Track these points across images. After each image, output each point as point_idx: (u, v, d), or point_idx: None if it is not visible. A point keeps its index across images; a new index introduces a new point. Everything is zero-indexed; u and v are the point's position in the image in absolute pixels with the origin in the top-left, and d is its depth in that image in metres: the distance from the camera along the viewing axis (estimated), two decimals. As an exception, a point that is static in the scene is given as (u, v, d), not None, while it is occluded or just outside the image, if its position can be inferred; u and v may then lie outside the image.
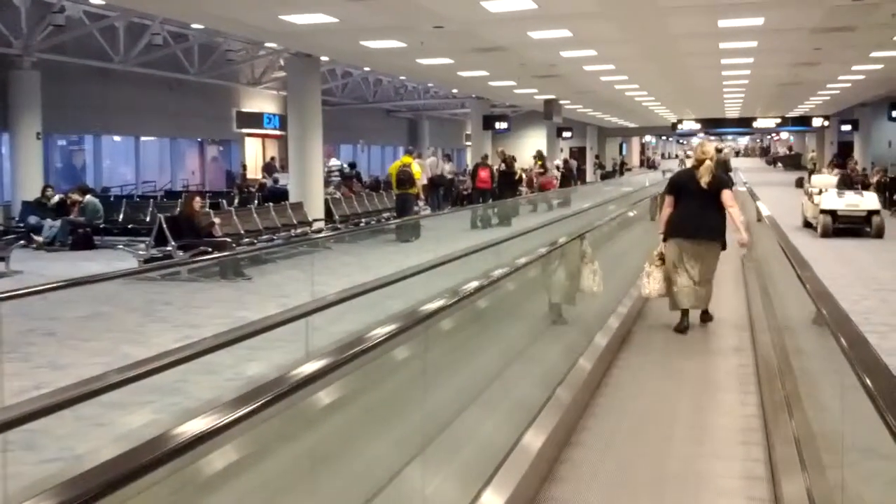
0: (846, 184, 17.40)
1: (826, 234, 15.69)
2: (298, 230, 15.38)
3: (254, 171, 27.04)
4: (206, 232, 12.06)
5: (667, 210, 7.18)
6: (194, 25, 18.76)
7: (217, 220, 12.31)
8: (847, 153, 37.17)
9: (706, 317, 7.27)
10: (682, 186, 7.12)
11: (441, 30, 12.07)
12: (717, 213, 6.99)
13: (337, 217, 17.24)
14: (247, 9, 10.96)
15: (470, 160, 29.08)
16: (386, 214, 18.61)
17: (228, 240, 12.08)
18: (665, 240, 7.12)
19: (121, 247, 12.90)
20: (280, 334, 5.34)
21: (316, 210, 16.55)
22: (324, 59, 22.28)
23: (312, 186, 16.75)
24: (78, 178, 21.55)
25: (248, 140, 28.04)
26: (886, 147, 35.40)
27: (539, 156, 26.74)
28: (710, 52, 16.15)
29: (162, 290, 10.97)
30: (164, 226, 11.78)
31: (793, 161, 57.12)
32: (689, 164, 7.99)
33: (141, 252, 11.96)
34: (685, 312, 7.05)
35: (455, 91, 29.67)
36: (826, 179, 19.11)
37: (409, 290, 6.41)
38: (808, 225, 17.38)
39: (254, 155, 28.41)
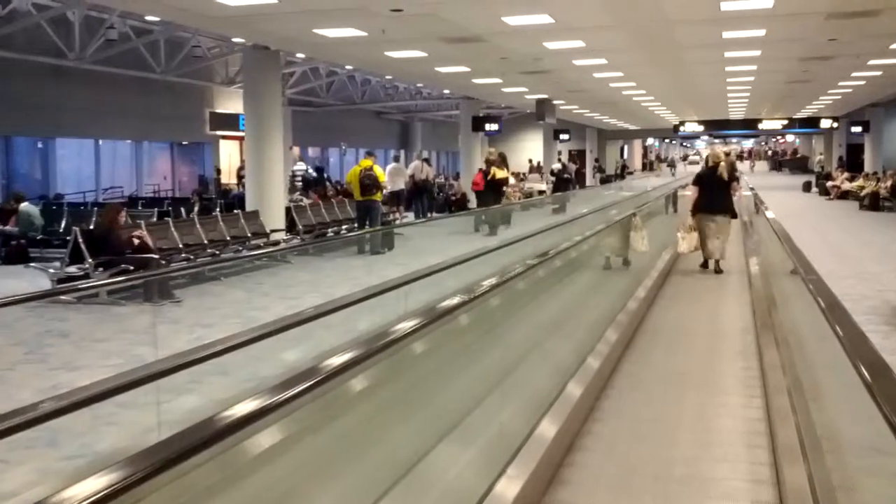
0: None
1: None
2: (252, 242, 13.78)
3: (228, 176, 25.54)
4: (129, 247, 10.46)
5: (694, 194, 10.75)
6: (149, 17, 17.19)
7: (140, 233, 10.67)
8: (856, 155, 35.63)
9: (719, 269, 10.55)
10: (706, 179, 10.70)
11: (401, 14, 10.46)
12: (729, 196, 10.67)
13: (301, 227, 15.59)
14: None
15: (463, 163, 27.33)
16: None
17: (156, 256, 10.47)
18: (693, 215, 10.55)
19: (32, 265, 11.21)
20: (174, 382, 4.14)
21: (275, 220, 14.91)
22: (300, 56, 20.90)
23: (271, 193, 15.09)
24: (35, 183, 20.04)
25: (222, 143, 26.45)
26: (899, 149, 33.82)
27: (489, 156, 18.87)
28: (712, 44, 14.47)
29: (71, 315, 9.45)
30: (80, 240, 10.16)
31: (798, 164, 55.50)
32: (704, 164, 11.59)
33: (52, 270, 10.36)
34: (707, 259, 10.70)
35: (447, 92, 28.01)
36: None
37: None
38: None
39: (229, 158, 26.80)
